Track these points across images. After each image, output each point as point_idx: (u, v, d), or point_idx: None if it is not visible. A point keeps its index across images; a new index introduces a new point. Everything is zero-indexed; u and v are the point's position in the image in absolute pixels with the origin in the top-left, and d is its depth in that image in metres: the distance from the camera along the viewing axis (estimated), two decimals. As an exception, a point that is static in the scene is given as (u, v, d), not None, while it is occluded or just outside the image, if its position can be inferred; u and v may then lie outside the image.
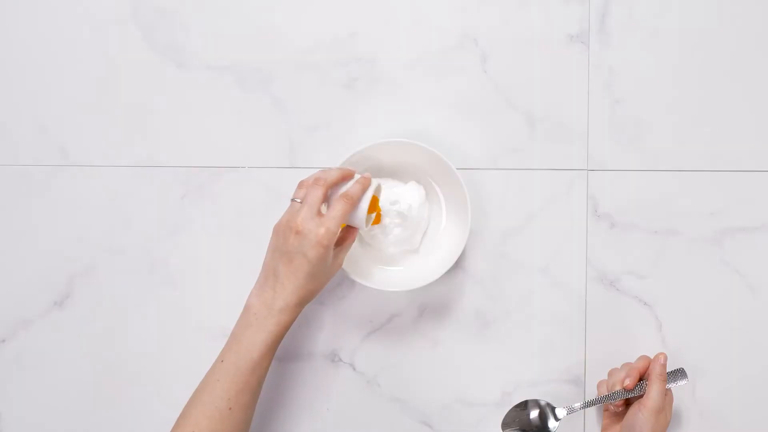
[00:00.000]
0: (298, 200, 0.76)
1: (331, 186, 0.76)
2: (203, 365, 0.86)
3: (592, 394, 0.85)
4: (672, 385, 0.80)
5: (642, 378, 0.79)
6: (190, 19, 0.87)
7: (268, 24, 0.87)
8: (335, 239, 0.74)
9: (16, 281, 0.88)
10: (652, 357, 0.80)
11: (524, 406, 0.82)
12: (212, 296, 0.87)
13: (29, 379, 0.88)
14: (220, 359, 0.75)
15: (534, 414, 0.81)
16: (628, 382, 0.78)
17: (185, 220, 0.87)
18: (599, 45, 0.85)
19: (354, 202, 0.75)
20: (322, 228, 0.73)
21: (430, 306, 0.86)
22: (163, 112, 0.87)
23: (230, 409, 0.73)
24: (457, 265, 0.85)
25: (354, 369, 0.87)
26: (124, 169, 0.88)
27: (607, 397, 0.79)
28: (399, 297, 0.86)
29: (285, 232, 0.74)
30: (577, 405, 0.80)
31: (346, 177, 0.77)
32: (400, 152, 0.83)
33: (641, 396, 0.78)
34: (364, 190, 0.76)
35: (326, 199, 0.76)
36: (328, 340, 0.87)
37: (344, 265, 0.80)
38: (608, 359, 0.85)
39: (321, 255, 0.73)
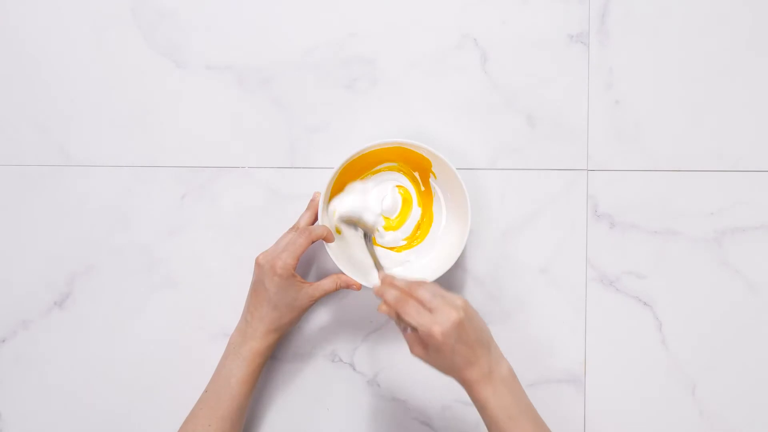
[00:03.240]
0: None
1: (315, 240, 0.79)
2: (203, 365, 0.86)
3: (592, 394, 0.85)
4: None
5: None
6: (190, 19, 0.87)
7: (268, 24, 0.87)
8: (292, 270, 0.77)
9: (16, 281, 0.88)
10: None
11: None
12: (212, 296, 0.87)
13: (29, 379, 0.88)
14: (206, 389, 0.79)
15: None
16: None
17: (185, 220, 0.87)
18: (599, 45, 0.85)
19: (311, 238, 0.78)
20: (277, 260, 0.77)
21: (430, 306, 0.86)
22: (163, 112, 0.87)
23: None
24: (457, 265, 0.85)
25: (354, 369, 0.87)
26: (124, 169, 0.88)
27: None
28: (399, 297, 0.86)
29: (254, 267, 0.80)
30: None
31: (329, 240, 0.80)
32: (400, 152, 0.83)
33: None
34: (326, 237, 0.79)
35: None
36: (328, 340, 0.87)
37: (344, 266, 0.80)
38: (608, 359, 0.85)
39: (278, 284, 0.77)
